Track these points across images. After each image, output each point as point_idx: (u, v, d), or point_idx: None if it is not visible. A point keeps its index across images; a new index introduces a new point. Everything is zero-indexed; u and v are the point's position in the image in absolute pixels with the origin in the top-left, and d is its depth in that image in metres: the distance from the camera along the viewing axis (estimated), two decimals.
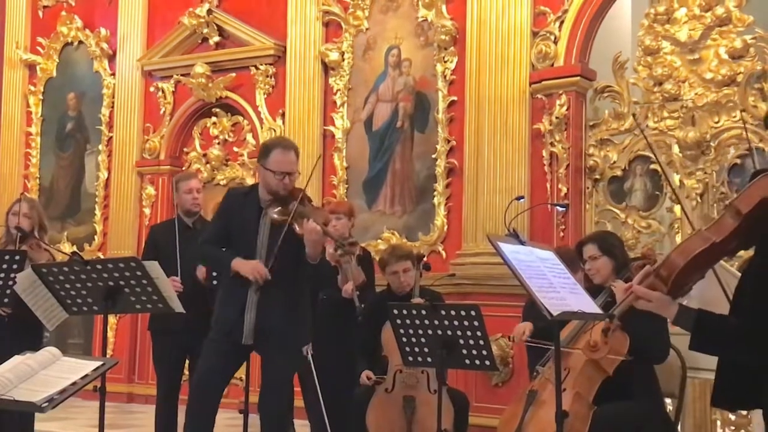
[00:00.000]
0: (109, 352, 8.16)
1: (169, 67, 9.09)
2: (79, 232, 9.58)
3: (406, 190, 7.67)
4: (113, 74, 9.45)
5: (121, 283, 3.85)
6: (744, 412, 4.87)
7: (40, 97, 10.02)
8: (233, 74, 8.67)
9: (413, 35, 7.73)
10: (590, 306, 3.43)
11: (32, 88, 10.07)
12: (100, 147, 9.51)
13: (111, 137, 9.43)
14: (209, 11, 8.74)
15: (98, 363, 3.20)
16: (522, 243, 3.47)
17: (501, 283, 6.47)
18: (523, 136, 7.01)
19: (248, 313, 4.20)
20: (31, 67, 10.09)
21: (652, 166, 6.57)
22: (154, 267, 3.90)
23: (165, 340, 5.43)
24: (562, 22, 6.97)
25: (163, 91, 9.13)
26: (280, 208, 4.15)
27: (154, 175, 9.13)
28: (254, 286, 4.18)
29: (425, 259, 5.78)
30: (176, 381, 5.52)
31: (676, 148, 6.49)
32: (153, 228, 6.03)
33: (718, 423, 5.41)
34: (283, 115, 8.33)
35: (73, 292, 3.93)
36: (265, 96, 8.52)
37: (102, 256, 8.58)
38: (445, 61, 7.48)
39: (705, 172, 6.39)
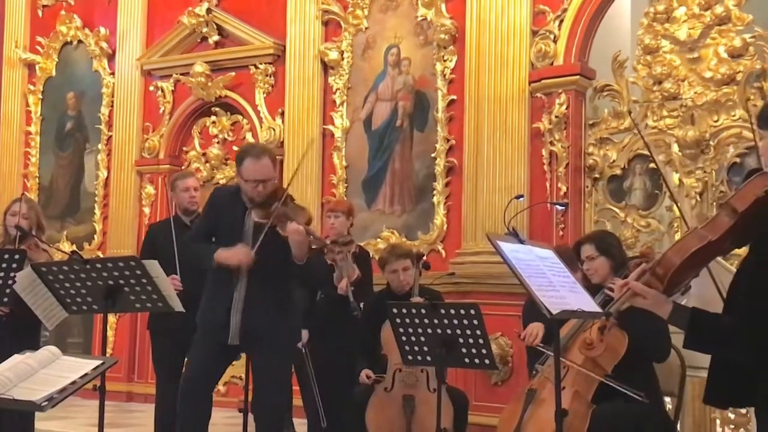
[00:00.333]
0: (108, 351, 8.14)
1: (168, 66, 9.09)
2: (79, 231, 9.58)
3: (405, 189, 7.66)
4: (113, 73, 9.44)
5: (121, 282, 3.85)
6: (743, 411, 4.86)
7: (40, 96, 10.02)
8: (232, 73, 8.67)
9: (413, 34, 7.73)
10: (590, 304, 3.43)
11: (32, 87, 10.07)
12: (100, 146, 9.50)
13: (110, 136, 9.42)
14: (209, 10, 8.74)
15: (98, 362, 3.19)
16: (521, 242, 3.47)
17: (500, 282, 6.47)
18: (523, 135, 7.01)
19: (234, 315, 4.22)
20: (31, 66, 10.08)
21: (652, 165, 6.55)
22: (153, 266, 3.89)
23: (164, 341, 5.44)
24: (561, 21, 6.97)
25: (162, 91, 9.12)
26: (261, 209, 4.18)
27: (153, 174, 9.12)
28: (240, 284, 4.19)
29: (425, 258, 5.79)
30: (176, 380, 5.51)
31: (675, 147, 6.49)
32: (151, 227, 6.03)
33: (718, 422, 5.39)
34: (282, 114, 8.33)
35: (72, 291, 3.92)
36: (265, 95, 8.51)
37: (101, 255, 8.58)
38: (445, 60, 7.48)
39: (704, 171, 6.38)
